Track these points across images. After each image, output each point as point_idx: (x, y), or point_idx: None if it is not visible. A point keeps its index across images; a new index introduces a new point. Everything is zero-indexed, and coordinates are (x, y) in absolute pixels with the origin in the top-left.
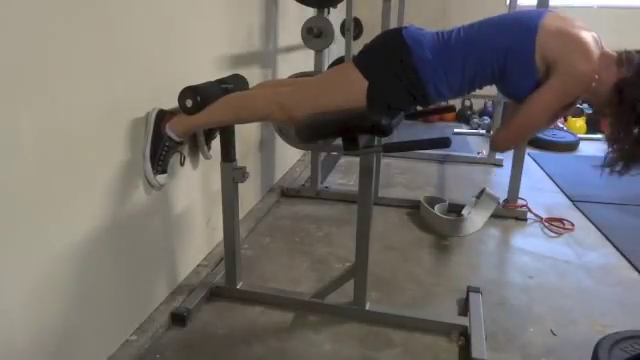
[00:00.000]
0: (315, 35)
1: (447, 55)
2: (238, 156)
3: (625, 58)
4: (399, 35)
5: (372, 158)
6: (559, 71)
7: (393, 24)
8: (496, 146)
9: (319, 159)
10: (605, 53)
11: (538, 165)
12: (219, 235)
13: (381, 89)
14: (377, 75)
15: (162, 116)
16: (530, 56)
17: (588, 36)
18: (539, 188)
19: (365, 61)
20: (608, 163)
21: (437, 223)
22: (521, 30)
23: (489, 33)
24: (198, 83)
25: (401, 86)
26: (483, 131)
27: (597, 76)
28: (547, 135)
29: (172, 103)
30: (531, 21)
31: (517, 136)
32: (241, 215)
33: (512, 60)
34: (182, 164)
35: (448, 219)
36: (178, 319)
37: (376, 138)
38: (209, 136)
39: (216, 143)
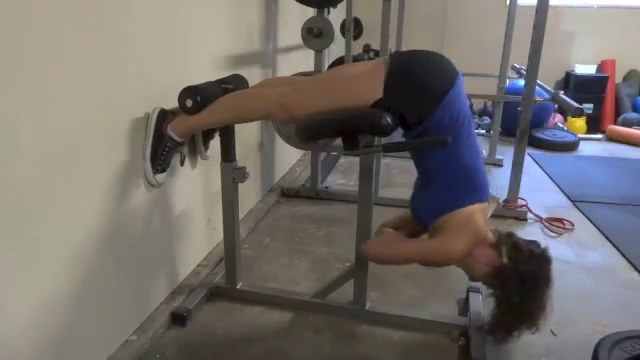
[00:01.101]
0: (315, 35)
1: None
2: (238, 156)
3: (500, 243)
4: (444, 92)
5: (372, 158)
6: (440, 240)
7: (393, 24)
8: (366, 252)
9: (319, 159)
10: (484, 235)
11: (538, 165)
12: (219, 235)
13: (390, 105)
14: (395, 98)
15: (163, 116)
16: (444, 209)
17: (481, 228)
18: (539, 188)
19: (397, 80)
20: (488, 332)
21: None
22: (468, 192)
23: (467, 163)
24: (198, 83)
25: (408, 112)
26: (483, 131)
27: (466, 257)
28: (547, 135)
29: (172, 103)
30: (477, 196)
31: (383, 260)
32: (241, 215)
33: (441, 190)
34: (182, 164)
35: None
36: (178, 319)
37: (376, 138)
38: (207, 137)
39: (216, 143)
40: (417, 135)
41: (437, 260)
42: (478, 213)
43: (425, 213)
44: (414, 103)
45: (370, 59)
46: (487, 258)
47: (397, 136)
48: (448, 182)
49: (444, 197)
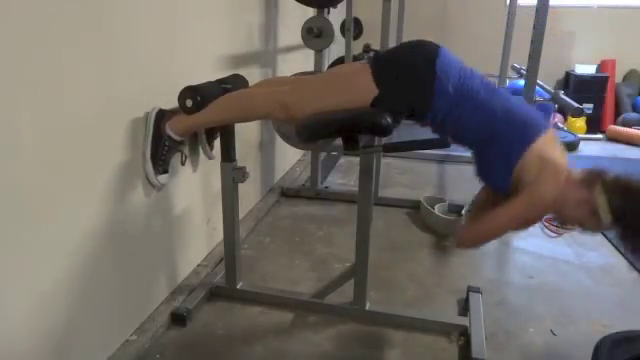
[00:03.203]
0: (315, 35)
1: (465, 100)
2: (238, 156)
3: (593, 179)
4: (431, 61)
5: (372, 158)
6: (525, 193)
7: (393, 24)
8: (461, 244)
9: (319, 159)
10: (571, 176)
11: None
12: (219, 235)
13: (389, 101)
14: (390, 88)
15: (162, 116)
16: (510, 164)
17: (561, 163)
18: None
19: (383, 70)
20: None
21: (437, 223)
22: (519, 133)
23: (498, 109)
24: (198, 83)
25: (408, 103)
26: None
27: (559, 200)
28: None
29: (172, 103)
30: (531, 132)
31: (480, 240)
32: (241, 215)
33: (497, 149)
34: (183, 164)
35: (448, 219)
36: (178, 319)
37: (376, 138)
38: (211, 135)
39: (216, 143)
40: (431, 119)
41: (533, 215)
42: (547, 145)
43: (497, 177)
44: (410, 86)
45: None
46: (579, 196)
47: (397, 136)
48: (496, 136)
49: (503, 151)
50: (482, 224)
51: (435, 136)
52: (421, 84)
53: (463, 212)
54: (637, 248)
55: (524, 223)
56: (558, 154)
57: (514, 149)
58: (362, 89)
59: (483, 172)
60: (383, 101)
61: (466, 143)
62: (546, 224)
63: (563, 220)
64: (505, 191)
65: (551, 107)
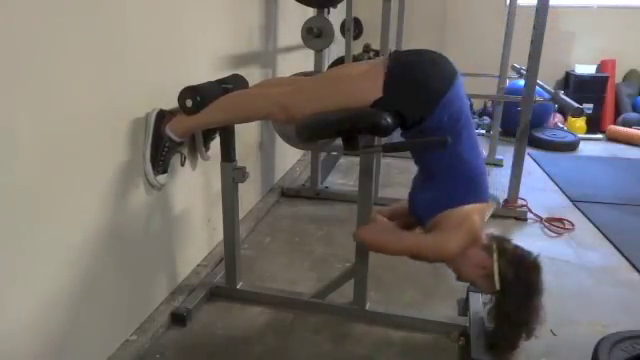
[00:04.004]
0: (315, 35)
1: (450, 134)
2: (238, 156)
3: (491, 246)
4: (444, 90)
5: (372, 158)
6: (437, 235)
7: (393, 24)
8: (357, 237)
9: (319, 159)
10: (478, 241)
11: (538, 165)
12: (219, 235)
13: (387, 107)
14: (394, 97)
15: (162, 116)
16: (442, 205)
17: (478, 230)
18: (539, 188)
19: (396, 80)
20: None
21: None
22: (468, 189)
23: (466, 160)
24: (198, 83)
25: (408, 112)
26: (483, 131)
27: (461, 257)
28: (547, 135)
29: (172, 103)
30: (476, 195)
31: (376, 247)
32: (241, 215)
33: (444, 185)
34: (182, 164)
35: None
36: (178, 319)
37: (376, 138)
38: (208, 137)
39: (216, 143)
40: (416, 134)
41: (430, 255)
42: (477, 213)
43: (424, 209)
44: (414, 102)
45: (370, 59)
46: (478, 259)
47: (397, 136)
48: (449, 180)
49: (445, 195)
50: (386, 236)
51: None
52: (424, 105)
53: None
54: (512, 315)
55: (417, 256)
56: (480, 223)
57: (456, 199)
58: (367, 90)
59: (416, 197)
60: (382, 105)
61: (422, 167)
62: (546, 224)
63: (459, 275)
64: (420, 222)
65: (551, 107)
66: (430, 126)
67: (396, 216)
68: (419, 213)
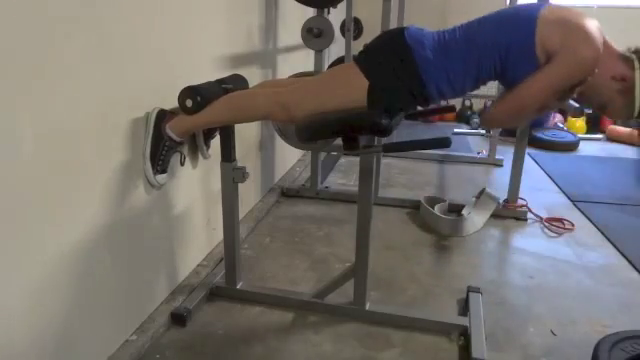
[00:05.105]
0: (315, 35)
1: (449, 54)
2: (238, 156)
3: (634, 57)
4: (400, 35)
5: (372, 158)
6: (560, 56)
7: (393, 24)
8: (488, 120)
9: (319, 159)
10: (608, 45)
11: (538, 165)
12: (219, 235)
13: (382, 89)
14: (378, 75)
15: (162, 116)
16: (531, 48)
17: (591, 24)
18: (539, 188)
19: (366, 61)
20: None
21: (437, 223)
22: (520, 23)
23: (489, 29)
24: (198, 83)
25: (402, 86)
26: (483, 131)
27: (598, 66)
28: (547, 135)
29: (172, 103)
30: (530, 13)
31: (510, 112)
32: (241, 215)
33: (513, 54)
34: (182, 164)
35: (448, 219)
36: (178, 319)
37: (376, 138)
38: (208, 136)
39: (216, 143)
40: (440, 92)
41: (570, 77)
42: (556, 11)
43: (526, 72)
44: (393, 64)
45: None
46: (615, 70)
47: (397, 136)
48: (499, 48)
49: (517, 46)
50: (511, 96)
51: (434, 136)
52: (401, 59)
53: (463, 212)
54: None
55: (558, 90)
56: (578, 16)
57: (522, 34)
58: (354, 83)
59: (516, 82)
60: (377, 90)
61: (487, 78)
62: (546, 224)
63: (588, 97)
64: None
65: None
66: (429, 73)
67: None
68: (511, 74)
